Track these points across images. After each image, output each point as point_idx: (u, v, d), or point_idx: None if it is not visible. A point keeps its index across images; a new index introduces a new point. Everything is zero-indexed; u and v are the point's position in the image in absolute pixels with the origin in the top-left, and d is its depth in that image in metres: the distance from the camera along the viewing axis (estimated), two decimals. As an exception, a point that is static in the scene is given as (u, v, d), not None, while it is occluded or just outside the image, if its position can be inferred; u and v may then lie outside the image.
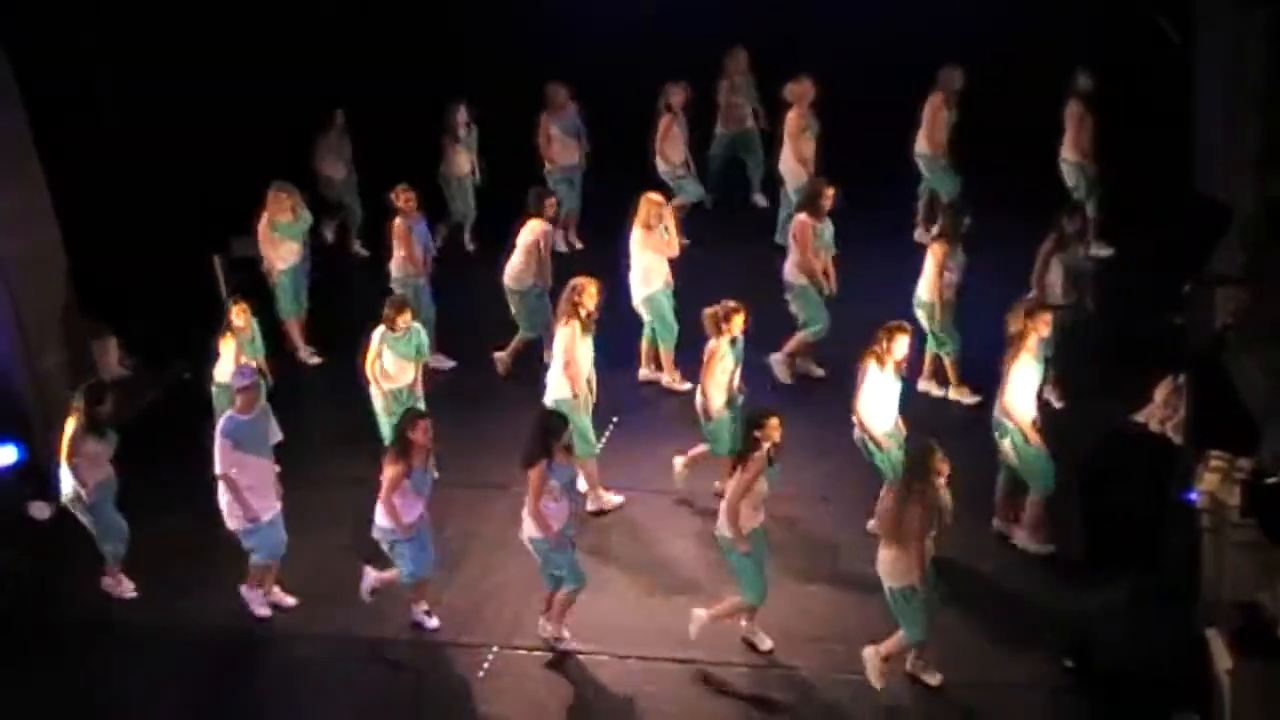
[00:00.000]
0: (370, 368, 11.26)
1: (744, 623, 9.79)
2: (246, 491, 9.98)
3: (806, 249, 11.98)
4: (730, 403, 10.82)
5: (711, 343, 10.71)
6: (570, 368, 10.82)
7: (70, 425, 10.17)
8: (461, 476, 11.48)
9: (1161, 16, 12.77)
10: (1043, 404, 11.04)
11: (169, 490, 10.54)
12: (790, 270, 12.16)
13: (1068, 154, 13.59)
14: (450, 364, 12.91)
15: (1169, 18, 12.45)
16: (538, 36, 15.83)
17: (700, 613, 9.70)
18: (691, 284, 12.39)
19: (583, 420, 10.86)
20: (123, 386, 12.95)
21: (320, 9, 16.04)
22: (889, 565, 9.05)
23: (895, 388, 10.32)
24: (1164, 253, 9.48)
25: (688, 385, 12.01)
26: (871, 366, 10.21)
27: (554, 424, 9.63)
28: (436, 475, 10.38)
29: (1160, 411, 10.77)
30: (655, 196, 12.38)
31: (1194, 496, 8.70)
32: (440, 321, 13.01)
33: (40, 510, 10.83)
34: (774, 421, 9.35)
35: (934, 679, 9.34)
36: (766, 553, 9.68)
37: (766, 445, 9.30)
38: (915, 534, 8.90)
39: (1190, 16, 11.23)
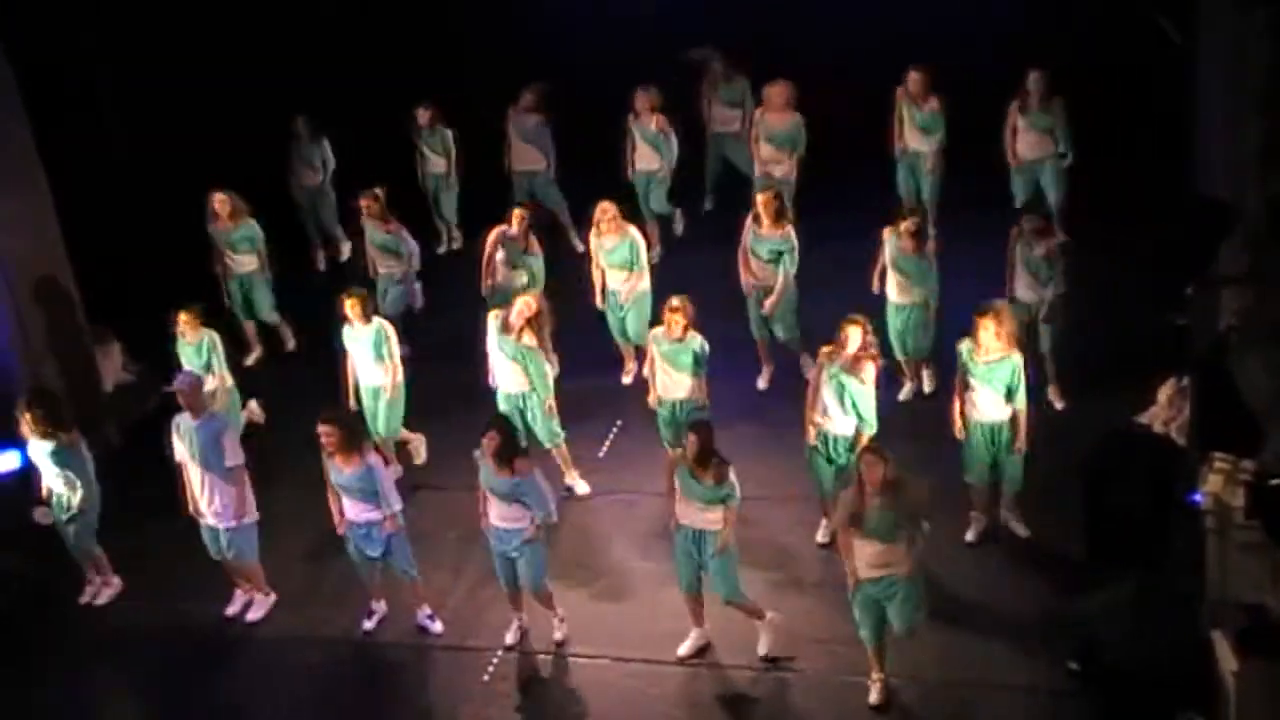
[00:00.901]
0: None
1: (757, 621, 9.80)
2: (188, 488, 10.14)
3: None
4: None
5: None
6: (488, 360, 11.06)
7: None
8: (464, 480, 11.47)
9: (1162, 17, 12.77)
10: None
11: (171, 494, 10.54)
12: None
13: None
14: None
15: (1170, 18, 12.45)
16: (538, 37, 15.82)
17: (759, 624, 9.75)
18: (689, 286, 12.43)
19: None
20: (126, 391, 13.02)
21: (321, 8, 16.04)
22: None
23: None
24: (1166, 253, 9.46)
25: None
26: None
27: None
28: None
29: (1163, 413, 10.77)
30: (603, 204, 12.42)
31: (1198, 498, 8.69)
32: (441, 323, 13.04)
33: (44, 515, 10.81)
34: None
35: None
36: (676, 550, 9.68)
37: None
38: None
39: (1191, 16, 11.22)
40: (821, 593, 10.19)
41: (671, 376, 10.83)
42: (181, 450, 10.20)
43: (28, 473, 10.62)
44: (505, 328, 10.99)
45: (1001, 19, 14.92)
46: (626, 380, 12.54)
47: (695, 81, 14.76)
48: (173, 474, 10.40)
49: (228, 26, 14.75)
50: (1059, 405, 11.50)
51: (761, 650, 9.71)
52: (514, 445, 9.72)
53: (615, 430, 11.95)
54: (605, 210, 12.26)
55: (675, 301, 10.72)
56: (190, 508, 10.26)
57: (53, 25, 12.56)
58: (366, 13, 16.31)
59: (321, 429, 9.74)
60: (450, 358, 12.54)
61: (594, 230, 12.35)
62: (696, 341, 10.72)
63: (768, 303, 11.88)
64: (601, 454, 11.86)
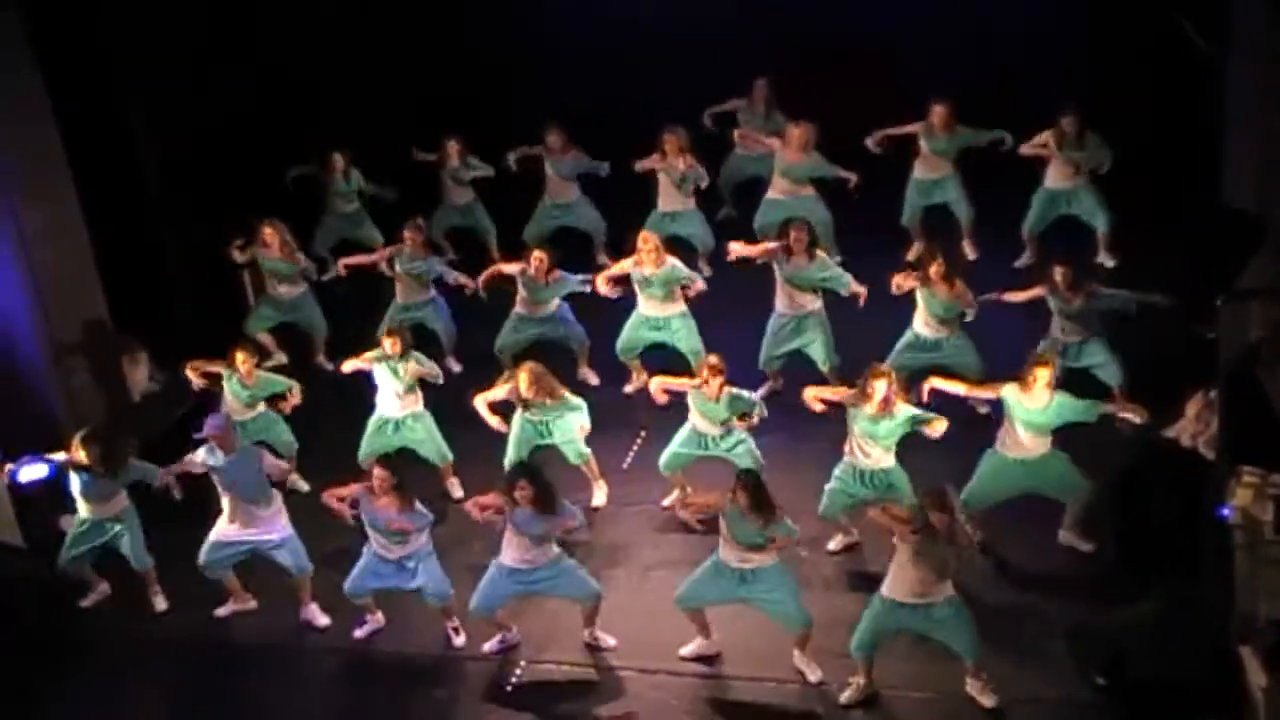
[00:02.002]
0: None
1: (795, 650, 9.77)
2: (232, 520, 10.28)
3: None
4: None
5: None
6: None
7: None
8: (486, 492, 11.48)
9: (1190, 26, 12.71)
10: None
11: (197, 503, 10.59)
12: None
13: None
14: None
15: (1198, 28, 12.39)
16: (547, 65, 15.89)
17: (797, 653, 9.71)
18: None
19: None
20: (153, 400, 13.07)
21: (345, 17, 16.15)
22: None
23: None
24: (1195, 266, 9.44)
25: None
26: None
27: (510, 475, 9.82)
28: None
29: (1192, 426, 10.69)
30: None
31: (1227, 512, 8.64)
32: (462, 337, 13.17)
33: (70, 524, 10.86)
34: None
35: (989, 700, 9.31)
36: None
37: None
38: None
39: (1220, 26, 11.16)
40: (845, 605, 10.12)
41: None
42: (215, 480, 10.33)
43: (55, 482, 10.67)
44: (524, 405, 11.04)
45: (1024, 29, 14.92)
46: (628, 390, 12.55)
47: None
48: (201, 488, 10.50)
49: (259, 36, 14.82)
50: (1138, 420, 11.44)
51: (812, 677, 9.65)
52: (549, 489, 9.73)
53: (639, 441, 11.93)
54: (647, 240, 12.18)
55: (713, 360, 10.72)
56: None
57: (83, 34, 12.62)
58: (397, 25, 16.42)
59: (378, 473, 9.85)
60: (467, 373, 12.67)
61: (635, 259, 12.19)
62: (727, 396, 10.70)
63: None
64: (625, 465, 11.85)
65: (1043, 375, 9.93)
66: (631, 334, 12.44)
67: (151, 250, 13.47)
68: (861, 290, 11.77)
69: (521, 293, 12.58)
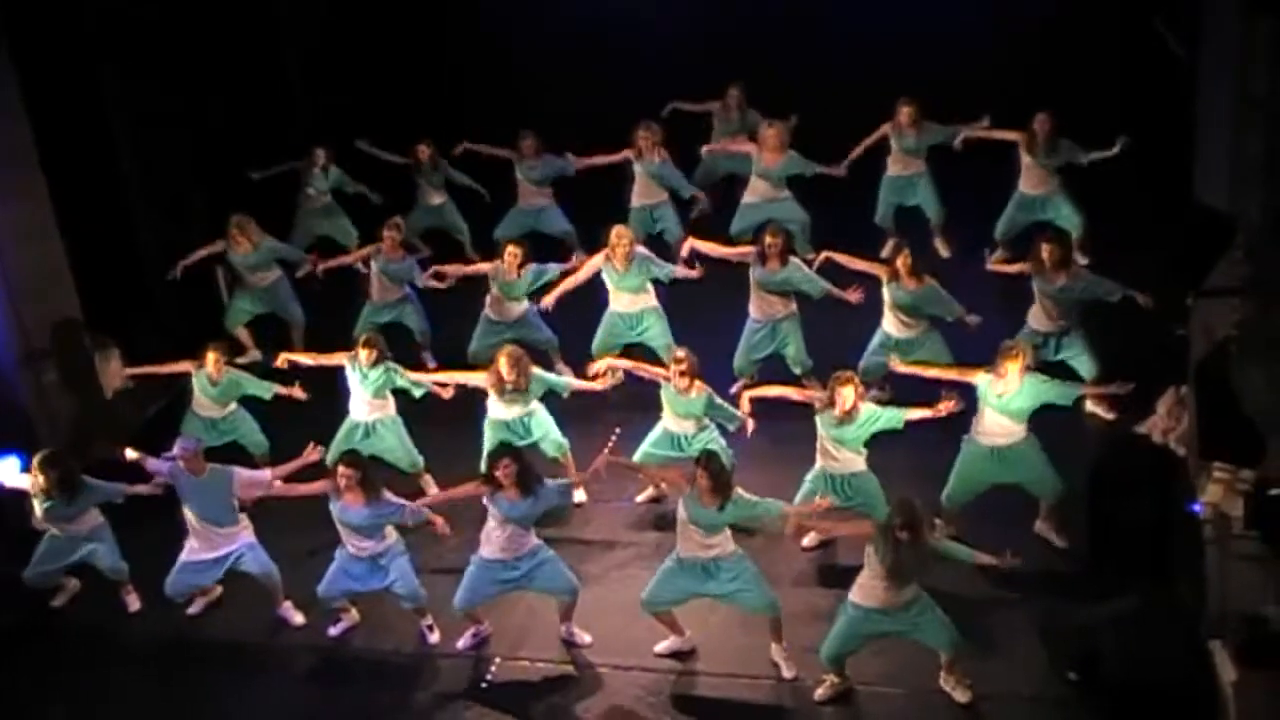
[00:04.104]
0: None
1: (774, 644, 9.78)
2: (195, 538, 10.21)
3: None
4: None
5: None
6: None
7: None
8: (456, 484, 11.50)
9: (1164, 27, 12.79)
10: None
11: (169, 502, 10.54)
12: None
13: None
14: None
15: (1172, 28, 12.46)
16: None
17: (775, 646, 9.71)
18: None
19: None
20: (125, 398, 13.02)
21: (321, 13, 16.12)
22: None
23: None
24: (1166, 264, 9.48)
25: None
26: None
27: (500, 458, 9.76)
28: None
29: (1163, 423, 10.76)
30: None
31: (1198, 508, 8.70)
32: (437, 334, 13.17)
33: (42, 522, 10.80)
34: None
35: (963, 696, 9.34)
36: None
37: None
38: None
39: (1193, 26, 11.22)
40: (822, 603, 10.16)
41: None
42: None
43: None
44: (504, 393, 11.00)
45: (1000, 27, 14.98)
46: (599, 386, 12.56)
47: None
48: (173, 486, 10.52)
49: (235, 34, 14.78)
50: (1109, 417, 11.53)
51: (788, 673, 9.67)
52: (531, 468, 9.74)
53: (613, 439, 11.94)
54: (621, 235, 12.18)
55: (680, 354, 10.74)
56: None
57: (57, 30, 12.56)
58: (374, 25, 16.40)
59: (342, 470, 9.80)
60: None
61: (607, 254, 12.19)
62: (704, 396, 10.75)
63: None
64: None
65: (1013, 368, 9.98)
66: (606, 335, 12.45)
67: (127, 248, 13.43)
68: (850, 296, 11.70)
69: (494, 291, 12.57)
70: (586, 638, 10.06)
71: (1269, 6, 8.95)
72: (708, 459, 9.41)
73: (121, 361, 13.05)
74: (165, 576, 10.44)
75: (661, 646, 9.91)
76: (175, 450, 10.27)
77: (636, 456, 10.93)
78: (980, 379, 10.14)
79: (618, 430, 12.01)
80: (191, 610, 10.66)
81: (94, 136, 13.01)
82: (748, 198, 14.03)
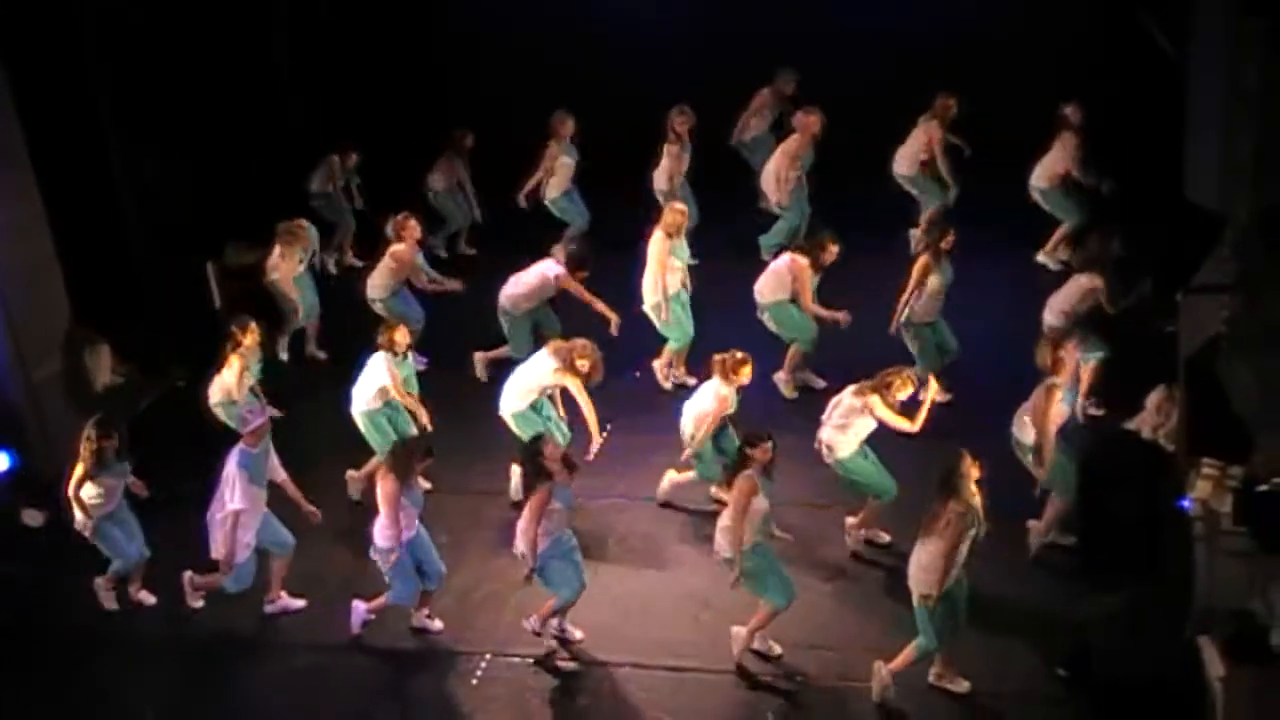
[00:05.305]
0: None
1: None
2: (241, 528, 9.99)
3: (806, 292, 12.15)
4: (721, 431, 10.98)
5: (722, 389, 10.80)
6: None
7: (80, 463, 10.07)
8: (454, 484, 11.49)
9: (1154, 25, 12.81)
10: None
11: (169, 502, 10.57)
12: (761, 290, 12.35)
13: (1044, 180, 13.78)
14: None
15: (1161, 26, 12.48)
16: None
17: (739, 630, 9.70)
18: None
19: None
20: (116, 393, 13.00)
21: (319, 13, 16.10)
22: (917, 571, 9.08)
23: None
24: (1156, 261, 9.51)
25: (669, 385, 12.75)
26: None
27: (536, 448, 9.74)
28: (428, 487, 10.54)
29: (1153, 419, 10.77)
30: (679, 206, 12.91)
31: (1187, 504, 8.72)
32: (434, 328, 13.09)
33: (33, 518, 10.82)
34: (766, 445, 9.47)
35: (960, 686, 9.36)
36: (771, 555, 9.67)
37: (755, 465, 9.39)
38: (948, 543, 8.93)
39: (1183, 25, 11.24)
40: (816, 599, 10.19)
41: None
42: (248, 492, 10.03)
43: (16, 474, 10.59)
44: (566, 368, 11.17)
45: (990, 25, 15.01)
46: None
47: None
48: (164, 481, 10.47)
49: (227, 32, 14.78)
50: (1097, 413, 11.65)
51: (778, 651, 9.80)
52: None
53: (605, 434, 11.93)
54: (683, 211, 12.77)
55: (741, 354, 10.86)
56: None
57: (49, 29, 12.55)
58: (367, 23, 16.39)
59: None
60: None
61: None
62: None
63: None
64: (590, 457, 11.81)
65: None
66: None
67: (116, 246, 13.41)
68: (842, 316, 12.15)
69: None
70: (578, 634, 10.06)
71: (1260, 7, 8.98)
72: (769, 436, 9.52)
73: (111, 357, 13.05)
74: (165, 576, 10.42)
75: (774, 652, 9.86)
76: (255, 421, 10.12)
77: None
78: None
79: (608, 425, 12.00)
80: (196, 605, 10.58)
81: (84, 134, 12.98)
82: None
